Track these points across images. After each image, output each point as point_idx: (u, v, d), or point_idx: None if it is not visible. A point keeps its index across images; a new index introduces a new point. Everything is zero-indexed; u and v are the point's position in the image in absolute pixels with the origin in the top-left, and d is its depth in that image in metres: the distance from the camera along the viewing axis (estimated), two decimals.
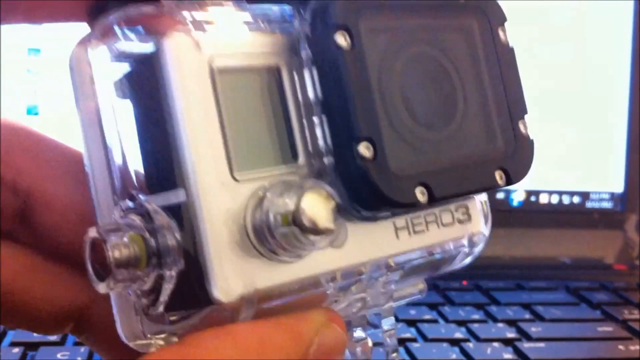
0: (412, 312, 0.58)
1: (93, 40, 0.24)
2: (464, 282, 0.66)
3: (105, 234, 0.22)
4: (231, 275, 0.22)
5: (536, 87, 0.73)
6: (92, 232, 0.22)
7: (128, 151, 0.24)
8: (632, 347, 0.55)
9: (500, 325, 0.58)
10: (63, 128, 0.61)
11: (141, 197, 0.23)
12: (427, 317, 0.58)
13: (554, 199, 0.73)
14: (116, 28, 0.23)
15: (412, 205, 0.24)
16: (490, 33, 0.27)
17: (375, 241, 0.25)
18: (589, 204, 0.74)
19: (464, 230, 0.27)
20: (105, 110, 0.24)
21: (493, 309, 0.61)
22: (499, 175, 0.26)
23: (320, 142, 0.24)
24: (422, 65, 0.25)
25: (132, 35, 0.23)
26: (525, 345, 0.54)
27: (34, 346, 0.49)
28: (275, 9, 0.25)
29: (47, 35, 0.64)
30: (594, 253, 0.75)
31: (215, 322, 0.22)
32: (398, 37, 0.25)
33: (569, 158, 0.74)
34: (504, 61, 0.27)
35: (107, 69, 0.24)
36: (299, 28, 0.24)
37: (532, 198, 0.73)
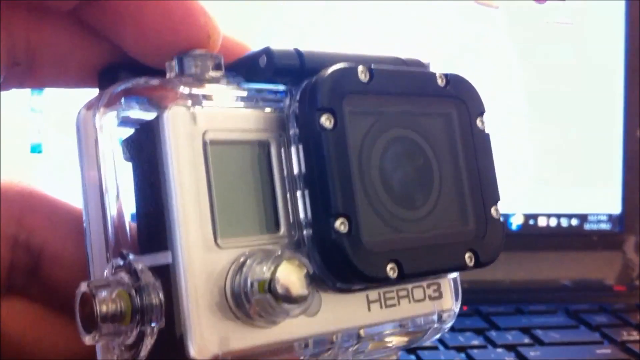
0: None
1: (101, 106, 0.25)
2: (464, 308, 0.67)
3: (95, 289, 0.23)
4: (208, 335, 0.23)
5: (533, 110, 0.74)
6: (83, 287, 0.24)
7: (123, 211, 0.25)
8: None
9: (500, 350, 0.58)
10: (67, 166, 0.62)
11: (130, 256, 0.24)
12: (427, 344, 0.58)
13: (553, 222, 0.74)
14: (123, 98, 0.25)
15: (382, 280, 0.25)
16: (469, 120, 0.28)
17: (348, 312, 0.26)
18: (587, 226, 0.75)
19: (435, 307, 0.29)
20: (107, 171, 0.25)
21: (492, 334, 0.61)
22: (468, 257, 0.27)
23: (301, 214, 0.25)
24: (401, 147, 0.27)
25: (137, 105, 0.25)
26: None
27: None
28: (269, 87, 0.26)
29: None
30: (594, 275, 0.75)
31: None
32: (380, 120, 0.26)
33: (565, 180, 0.75)
34: (480, 148, 0.28)
35: (112, 133, 0.25)
36: (288, 107, 0.26)
37: (531, 221, 0.74)
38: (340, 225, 0.24)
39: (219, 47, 0.27)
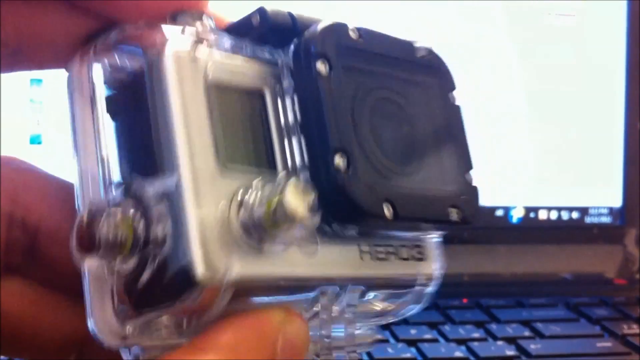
0: (412, 332, 0.59)
1: (97, 55, 0.26)
2: (464, 300, 0.67)
3: (96, 212, 0.23)
4: (216, 260, 0.23)
5: (534, 99, 0.74)
6: (85, 210, 0.23)
7: (125, 140, 0.25)
8: None
9: (500, 343, 0.58)
10: (67, 157, 0.62)
11: (134, 180, 0.24)
12: (427, 336, 0.59)
13: (553, 215, 0.74)
14: (119, 44, 0.26)
15: (379, 218, 0.26)
16: (443, 93, 0.29)
17: (342, 259, 0.27)
18: (588, 219, 0.75)
19: (418, 269, 0.29)
20: (102, 107, 0.26)
21: (493, 326, 0.61)
22: (455, 212, 0.28)
23: (297, 160, 0.26)
24: (388, 108, 0.27)
25: (134, 49, 0.25)
26: None
27: None
28: (261, 47, 0.27)
29: None
30: (594, 268, 0.75)
31: (190, 314, 0.23)
32: (368, 78, 0.27)
33: (566, 173, 0.75)
34: (453, 119, 0.29)
35: (108, 79, 0.26)
36: (282, 60, 0.26)
37: (531, 214, 0.73)
38: (339, 160, 0.25)
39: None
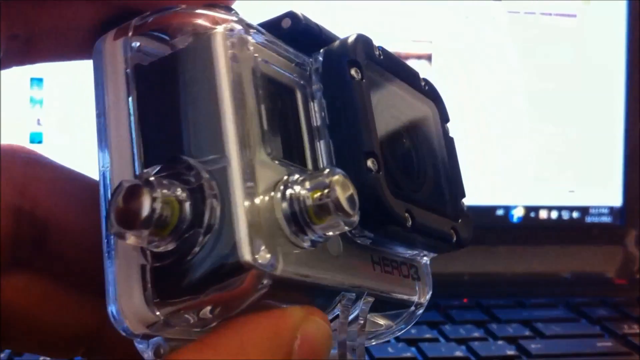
0: (413, 332, 0.59)
1: (136, 33, 0.25)
2: (465, 300, 0.67)
3: (134, 189, 0.22)
4: (261, 247, 0.22)
5: (534, 99, 0.74)
6: (128, 181, 0.22)
7: (162, 119, 0.24)
8: None
9: (500, 342, 0.58)
10: (68, 155, 0.62)
11: (186, 158, 0.23)
12: (428, 336, 0.59)
13: (554, 215, 0.74)
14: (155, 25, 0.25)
15: (401, 224, 0.26)
16: (440, 123, 0.30)
17: (359, 265, 0.27)
18: (588, 219, 0.75)
19: (416, 289, 0.29)
20: (139, 98, 0.25)
21: (493, 326, 0.61)
22: (454, 234, 0.29)
23: (324, 160, 0.26)
24: (397, 126, 0.28)
25: (179, 31, 0.24)
26: None
27: None
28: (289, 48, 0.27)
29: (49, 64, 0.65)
30: (595, 268, 0.75)
31: (223, 303, 0.22)
32: (384, 94, 0.28)
33: (566, 173, 0.75)
34: (448, 148, 0.30)
35: (151, 57, 0.25)
36: (310, 64, 0.27)
37: (532, 214, 0.73)
38: (372, 164, 0.25)
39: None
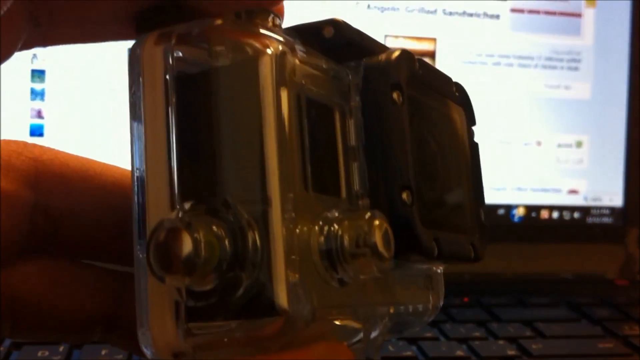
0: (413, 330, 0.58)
1: (180, 43, 0.23)
2: (465, 299, 0.67)
3: (172, 229, 0.21)
4: (298, 290, 0.22)
5: (534, 99, 0.74)
6: (170, 222, 0.21)
7: (200, 154, 0.23)
8: None
9: (501, 342, 0.58)
10: (69, 148, 0.62)
11: (212, 195, 0.22)
12: (428, 334, 0.58)
13: (555, 214, 0.74)
14: (199, 37, 0.23)
15: (430, 255, 0.25)
16: (468, 129, 0.30)
17: (380, 289, 0.26)
18: (589, 219, 0.75)
19: (430, 298, 0.29)
20: (178, 110, 0.23)
21: (494, 325, 0.61)
22: (472, 250, 0.28)
23: (357, 184, 0.25)
24: (430, 139, 0.27)
25: (223, 46, 0.23)
26: None
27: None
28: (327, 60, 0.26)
29: (51, 56, 0.65)
30: (596, 268, 0.75)
31: (254, 342, 0.22)
32: (420, 110, 0.27)
33: (568, 173, 0.75)
34: (473, 156, 0.30)
35: (190, 69, 0.23)
36: (350, 79, 0.25)
37: (533, 214, 0.73)
38: (407, 197, 0.25)
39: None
